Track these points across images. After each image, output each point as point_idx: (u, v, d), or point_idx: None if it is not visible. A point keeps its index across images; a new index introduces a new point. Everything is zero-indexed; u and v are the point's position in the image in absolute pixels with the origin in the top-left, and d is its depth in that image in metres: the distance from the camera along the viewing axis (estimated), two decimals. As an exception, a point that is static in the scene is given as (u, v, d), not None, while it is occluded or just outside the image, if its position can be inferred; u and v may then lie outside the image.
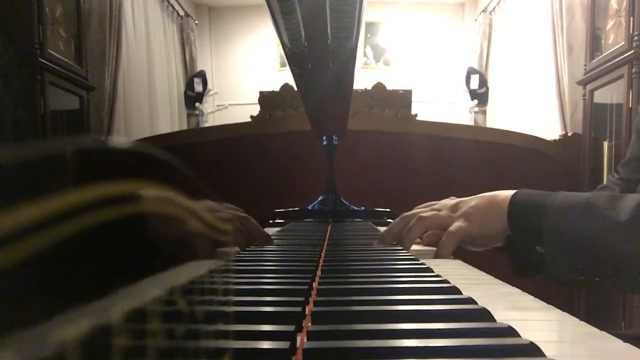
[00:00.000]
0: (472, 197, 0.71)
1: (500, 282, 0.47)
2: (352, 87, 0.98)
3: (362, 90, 2.01)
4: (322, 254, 0.59)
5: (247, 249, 0.67)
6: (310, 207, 1.24)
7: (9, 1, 1.81)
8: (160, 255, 0.16)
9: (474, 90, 4.32)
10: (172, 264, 0.17)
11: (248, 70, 4.82)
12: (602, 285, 0.59)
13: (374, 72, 4.67)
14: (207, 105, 4.58)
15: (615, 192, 0.80)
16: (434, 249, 0.73)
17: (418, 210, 0.75)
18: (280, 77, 3.95)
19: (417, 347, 0.24)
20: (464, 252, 0.69)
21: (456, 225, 0.68)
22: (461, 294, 0.36)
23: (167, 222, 0.17)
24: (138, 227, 0.14)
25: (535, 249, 0.64)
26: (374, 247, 0.70)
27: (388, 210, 1.25)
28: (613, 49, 1.88)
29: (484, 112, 4.39)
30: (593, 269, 0.57)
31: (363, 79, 2.76)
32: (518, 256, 0.70)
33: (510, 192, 0.66)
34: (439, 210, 0.72)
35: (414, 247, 0.75)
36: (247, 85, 4.51)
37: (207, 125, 4.39)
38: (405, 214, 0.75)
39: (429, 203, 0.77)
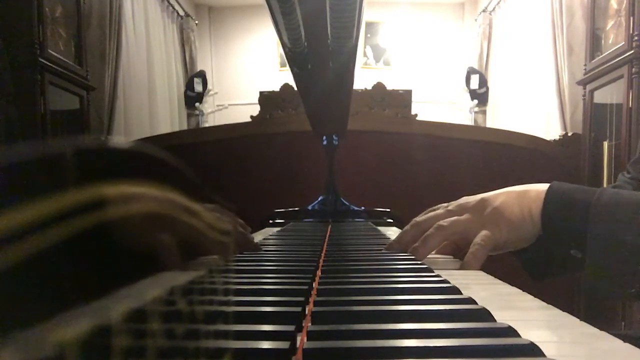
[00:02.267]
0: (497, 192, 0.60)
1: (500, 282, 0.47)
2: (352, 87, 0.98)
3: (362, 90, 2.01)
4: (322, 254, 0.59)
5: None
6: (310, 207, 1.24)
7: (9, 1, 1.81)
8: (159, 255, 0.16)
9: (474, 90, 4.33)
10: (170, 265, 0.17)
11: (248, 70, 4.82)
12: None
13: (374, 72, 4.67)
14: (207, 105, 4.58)
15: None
16: (446, 256, 0.66)
17: (433, 214, 0.63)
18: (280, 77, 3.96)
19: (417, 347, 0.24)
20: (463, 252, 0.68)
21: (482, 235, 0.57)
22: (461, 294, 0.36)
23: (165, 223, 0.17)
24: (138, 227, 0.14)
25: (561, 251, 0.56)
26: (375, 249, 0.69)
27: (388, 210, 1.25)
28: (613, 49, 1.88)
29: (484, 112, 4.39)
30: None
31: (363, 79, 2.76)
32: (534, 258, 0.61)
33: (543, 187, 0.57)
34: (459, 214, 0.61)
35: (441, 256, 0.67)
36: (247, 85, 4.52)
37: (207, 125, 4.39)
38: (418, 219, 0.64)
39: (444, 209, 0.64)
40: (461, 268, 0.57)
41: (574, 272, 0.57)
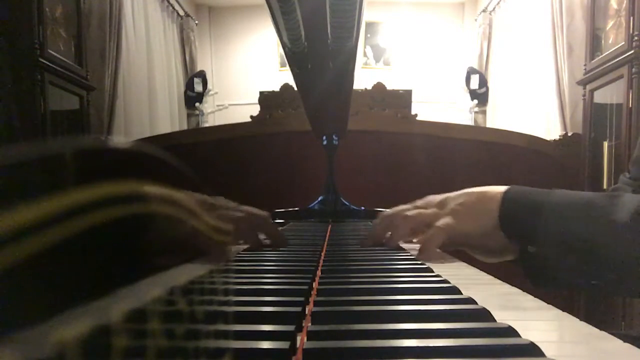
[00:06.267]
0: (460, 192, 0.67)
1: (500, 282, 0.47)
2: (352, 87, 0.97)
3: (362, 90, 2.01)
4: (322, 254, 0.59)
5: (246, 249, 0.67)
6: (310, 207, 1.24)
7: (9, 1, 1.81)
8: (161, 255, 0.16)
9: (474, 90, 4.32)
10: (172, 264, 0.17)
11: (248, 70, 4.82)
12: (600, 289, 0.56)
13: (374, 72, 4.67)
14: (207, 105, 4.58)
15: (627, 192, 0.76)
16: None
17: (400, 208, 0.70)
18: (280, 77, 3.96)
19: (417, 347, 0.24)
20: (463, 252, 0.68)
21: (443, 220, 0.64)
22: (461, 294, 0.36)
23: (169, 222, 0.17)
24: (139, 226, 0.14)
25: (544, 257, 0.60)
26: (375, 249, 0.69)
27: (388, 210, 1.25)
28: (613, 49, 1.88)
29: (484, 112, 4.39)
30: (592, 271, 0.54)
31: (363, 79, 2.76)
32: (534, 269, 0.65)
33: (501, 189, 0.63)
34: (424, 208, 0.68)
35: (414, 246, 0.72)
36: (247, 85, 4.51)
37: (207, 125, 4.39)
38: (386, 213, 0.71)
39: (411, 205, 0.72)
40: (419, 252, 0.63)
41: (574, 283, 0.60)
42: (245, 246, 0.69)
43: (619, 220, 0.53)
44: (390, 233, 0.68)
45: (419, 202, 0.70)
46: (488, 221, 0.62)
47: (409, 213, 0.67)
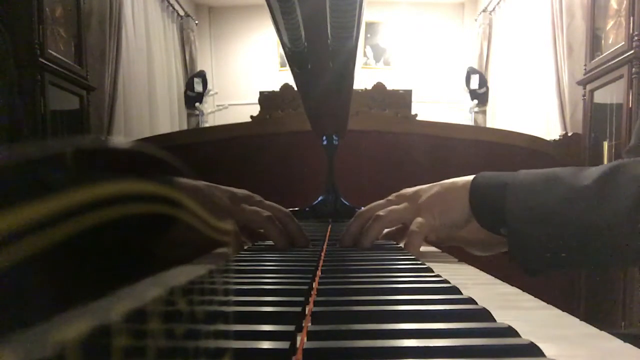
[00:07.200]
0: (431, 185, 0.68)
1: (500, 281, 0.47)
2: (352, 87, 0.97)
3: (362, 90, 2.01)
4: (322, 254, 0.59)
5: (247, 249, 0.67)
6: (310, 207, 1.24)
7: (9, 1, 1.81)
8: (162, 255, 0.16)
9: (474, 90, 4.33)
10: (173, 264, 0.17)
11: (248, 70, 4.83)
12: (568, 261, 0.56)
13: (374, 72, 4.68)
14: (207, 105, 4.59)
15: None
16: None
17: (374, 205, 0.70)
18: (280, 77, 3.96)
19: (417, 347, 0.24)
20: (463, 252, 0.68)
21: (417, 222, 0.64)
22: (461, 294, 0.36)
23: (178, 221, 0.17)
24: (138, 227, 0.14)
25: (541, 247, 0.60)
26: (375, 249, 0.69)
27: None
28: (613, 49, 1.88)
29: (484, 112, 4.39)
30: (558, 243, 0.54)
31: (363, 79, 2.76)
32: (525, 256, 0.65)
33: (469, 178, 0.64)
34: (396, 203, 0.68)
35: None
36: (247, 85, 4.52)
37: (207, 125, 4.39)
38: (361, 211, 0.71)
39: (385, 200, 0.71)
40: None
41: (565, 268, 0.60)
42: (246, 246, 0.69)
43: (582, 186, 0.53)
44: (362, 233, 0.67)
45: (393, 196, 0.70)
46: (461, 211, 0.63)
47: (381, 213, 0.66)
